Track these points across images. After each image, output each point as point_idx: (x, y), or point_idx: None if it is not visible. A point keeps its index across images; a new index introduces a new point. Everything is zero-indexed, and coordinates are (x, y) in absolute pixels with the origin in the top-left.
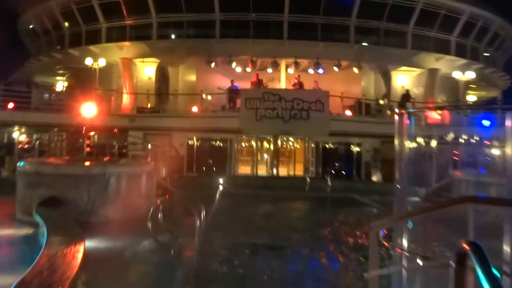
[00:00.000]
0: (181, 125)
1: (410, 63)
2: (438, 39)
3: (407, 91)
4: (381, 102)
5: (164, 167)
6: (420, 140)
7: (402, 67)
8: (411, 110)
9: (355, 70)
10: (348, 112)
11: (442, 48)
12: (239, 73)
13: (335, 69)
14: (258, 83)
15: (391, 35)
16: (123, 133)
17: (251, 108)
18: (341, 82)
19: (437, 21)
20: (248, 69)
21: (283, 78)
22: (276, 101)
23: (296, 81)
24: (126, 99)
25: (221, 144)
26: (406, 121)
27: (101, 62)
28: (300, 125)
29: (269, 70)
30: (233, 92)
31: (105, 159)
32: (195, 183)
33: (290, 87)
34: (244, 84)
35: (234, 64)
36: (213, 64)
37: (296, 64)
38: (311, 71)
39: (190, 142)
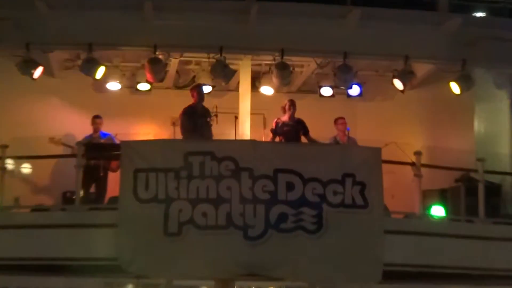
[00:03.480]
0: None
1: None
2: None
3: None
4: None
5: None
6: None
7: None
8: None
9: (454, 88)
10: (439, 210)
11: None
12: (119, 96)
13: (397, 85)
14: (202, 115)
15: None
16: None
17: (152, 199)
18: (414, 121)
19: None
20: (143, 86)
21: (245, 109)
22: (228, 177)
23: (286, 118)
24: None
25: None
26: None
27: None
28: (297, 251)
29: (207, 88)
30: (95, 152)
31: None
32: None
33: (266, 135)
34: (131, 131)
35: (100, 72)
36: (38, 71)
37: (283, 69)
38: (327, 90)
39: None
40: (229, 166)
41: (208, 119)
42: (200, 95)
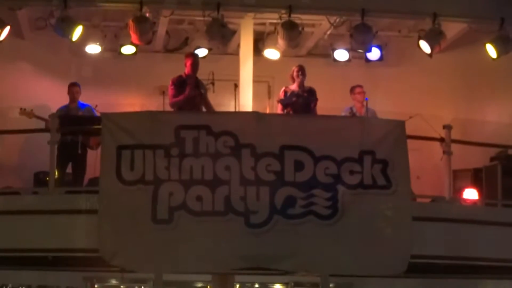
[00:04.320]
0: None
1: None
2: None
3: None
4: None
5: None
6: None
7: None
8: None
9: (490, 51)
10: (471, 193)
11: None
12: (99, 61)
13: (424, 47)
14: (195, 85)
15: None
16: None
17: (138, 180)
18: (444, 90)
19: None
20: (128, 49)
21: (246, 76)
22: (227, 155)
23: (295, 86)
24: None
25: None
26: None
27: None
28: (307, 240)
29: (202, 52)
30: (72, 126)
31: None
32: None
33: (271, 106)
34: (113, 101)
35: (78, 32)
36: (4, 32)
37: (291, 29)
38: (342, 54)
39: None
40: (228, 142)
41: (203, 91)
42: (195, 65)
